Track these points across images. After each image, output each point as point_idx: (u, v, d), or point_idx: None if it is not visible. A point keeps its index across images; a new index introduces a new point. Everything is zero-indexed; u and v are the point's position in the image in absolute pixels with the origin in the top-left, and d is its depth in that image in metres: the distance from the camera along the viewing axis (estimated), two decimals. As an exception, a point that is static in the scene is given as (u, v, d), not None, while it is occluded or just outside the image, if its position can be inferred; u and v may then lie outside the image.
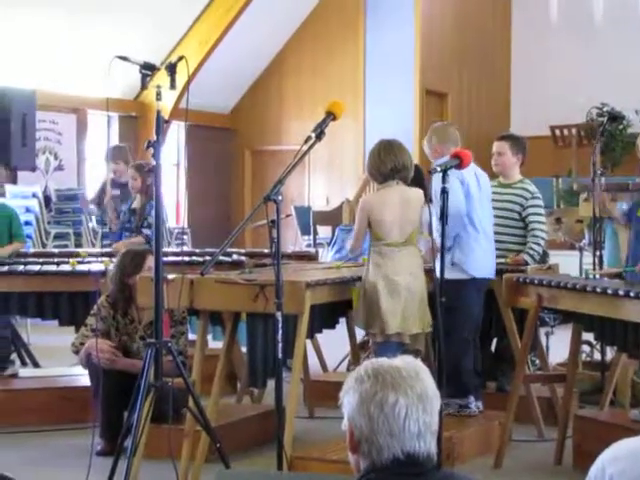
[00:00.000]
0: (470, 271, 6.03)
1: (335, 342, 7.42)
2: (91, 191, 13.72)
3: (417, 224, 5.89)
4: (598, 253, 7.21)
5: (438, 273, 5.55)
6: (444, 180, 4.78)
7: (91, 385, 6.23)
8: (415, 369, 2.31)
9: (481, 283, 6.14)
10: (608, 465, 2.01)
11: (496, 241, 6.68)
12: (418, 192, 5.96)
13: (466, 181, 5.98)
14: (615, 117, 16.30)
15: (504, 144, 6.98)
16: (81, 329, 6.33)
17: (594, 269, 7.07)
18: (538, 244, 6.80)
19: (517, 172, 7.02)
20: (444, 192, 4.78)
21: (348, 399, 2.31)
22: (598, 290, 5.40)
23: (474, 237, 6.04)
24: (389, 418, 2.25)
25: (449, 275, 5.89)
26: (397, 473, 2.26)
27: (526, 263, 6.63)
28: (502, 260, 6.64)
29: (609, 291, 5.31)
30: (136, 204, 8.06)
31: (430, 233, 5.70)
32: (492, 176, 7.10)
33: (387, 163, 5.82)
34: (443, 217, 4.78)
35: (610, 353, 6.70)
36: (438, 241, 5.11)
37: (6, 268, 7.10)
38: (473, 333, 6.18)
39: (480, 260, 6.07)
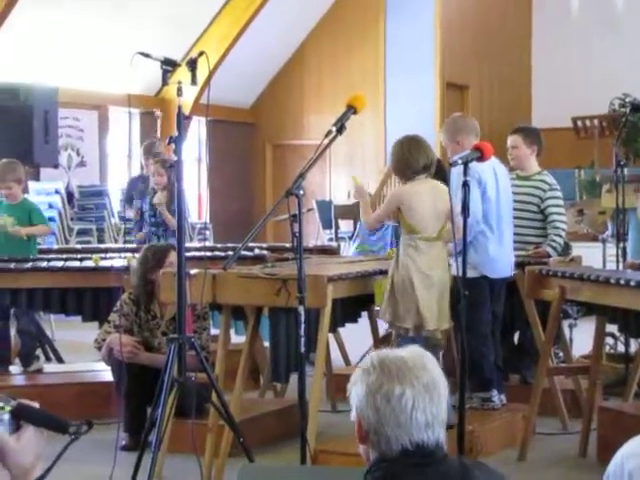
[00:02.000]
0: (485, 272, 6.01)
1: (358, 336, 7.42)
2: (113, 188, 13.83)
3: (447, 218, 5.83)
4: (621, 245, 7.17)
5: (456, 268, 5.56)
6: (465, 173, 4.76)
7: (113, 380, 6.26)
8: (421, 359, 2.30)
9: (496, 282, 6.10)
10: (627, 461, 2.00)
11: (515, 234, 6.66)
12: (445, 187, 5.93)
13: (483, 180, 5.92)
14: (638, 107, 16.21)
15: (517, 137, 6.95)
16: (104, 326, 6.35)
17: (617, 261, 7.04)
18: (559, 235, 6.78)
19: (535, 164, 6.99)
20: (465, 185, 4.75)
21: (356, 391, 2.31)
22: (622, 282, 5.37)
23: (489, 239, 5.99)
24: (396, 410, 2.25)
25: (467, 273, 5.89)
26: (407, 464, 2.26)
27: (549, 255, 6.61)
28: (523, 252, 6.63)
29: (632, 283, 5.28)
30: (157, 200, 8.06)
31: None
32: (510, 169, 7.08)
33: (419, 160, 5.77)
34: (465, 210, 4.75)
35: (634, 345, 6.67)
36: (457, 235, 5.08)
37: (30, 264, 7.14)
38: (492, 328, 6.14)
39: (495, 262, 6.01)
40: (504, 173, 6.26)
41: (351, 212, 14.29)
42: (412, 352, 2.33)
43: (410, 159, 5.78)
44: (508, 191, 6.27)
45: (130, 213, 8.70)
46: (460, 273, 5.07)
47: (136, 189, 8.70)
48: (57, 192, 12.27)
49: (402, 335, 5.77)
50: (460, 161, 4.83)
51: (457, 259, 5.86)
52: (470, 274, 5.63)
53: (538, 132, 7.12)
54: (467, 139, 6.05)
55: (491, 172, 5.96)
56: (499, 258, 6.01)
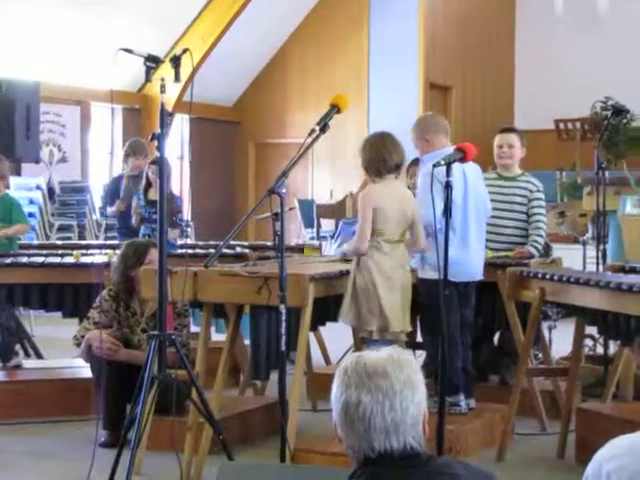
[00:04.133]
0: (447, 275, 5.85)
1: (338, 335, 7.42)
2: (94, 184, 13.79)
3: (409, 221, 5.81)
4: (602, 247, 7.20)
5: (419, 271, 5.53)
6: (448, 174, 4.75)
7: (93, 376, 6.24)
8: (384, 364, 2.29)
9: (459, 285, 5.89)
10: (605, 463, 2.01)
11: (500, 234, 6.66)
12: (408, 190, 5.91)
13: (451, 185, 5.82)
14: (619, 111, 16.28)
15: (514, 137, 6.87)
16: (83, 322, 6.34)
17: (597, 263, 7.07)
18: (541, 236, 6.79)
19: (517, 165, 6.98)
20: (448, 186, 4.74)
21: (332, 394, 2.33)
22: (601, 284, 5.39)
23: (451, 242, 5.53)
24: (354, 420, 2.25)
25: (423, 275, 5.86)
26: (391, 467, 2.26)
27: (532, 255, 6.62)
28: (508, 253, 6.64)
29: (612, 285, 5.30)
30: (152, 196, 8.01)
31: None
32: (493, 168, 7.08)
33: (394, 157, 5.67)
34: (447, 211, 4.74)
35: (613, 347, 6.71)
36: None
37: (10, 260, 7.12)
38: (462, 332, 6.02)
39: (456, 265, 5.52)
40: (476, 174, 6.11)
41: (333, 211, 14.32)
42: (382, 357, 2.32)
43: (386, 155, 5.65)
44: (480, 194, 6.12)
45: (111, 210, 8.67)
46: (433, 275, 5.08)
47: (123, 187, 8.65)
48: (38, 188, 12.24)
49: (366, 338, 5.74)
50: (443, 162, 4.82)
51: (422, 262, 5.85)
52: (431, 276, 5.58)
53: (523, 134, 7.12)
54: (436, 137, 5.98)
55: (459, 174, 5.71)
56: (461, 262, 5.79)
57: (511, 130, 7.04)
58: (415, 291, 5.87)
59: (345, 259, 6.27)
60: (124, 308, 6.27)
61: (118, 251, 6.58)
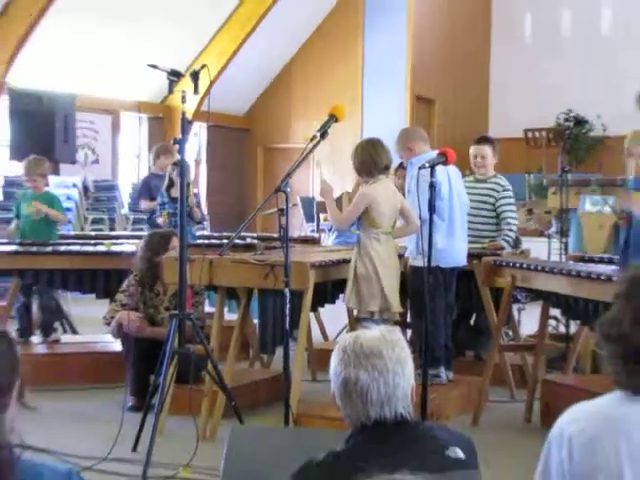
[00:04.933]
0: (435, 262, 5.83)
1: (335, 315, 7.43)
2: (123, 182, 13.78)
3: (398, 211, 5.78)
4: (564, 240, 7.20)
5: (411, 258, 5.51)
6: (432, 175, 4.75)
7: (123, 351, 6.25)
8: (378, 344, 2.28)
9: (445, 271, 5.91)
10: (567, 426, 2.01)
11: (473, 229, 6.64)
12: (394, 187, 5.90)
13: (438, 182, 5.78)
14: (580, 122, 16.35)
15: (486, 148, 6.85)
16: (111, 304, 6.34)
17: (560, 254, 7.07)
18: (512, 230, 6.78)
19: (492, 169, 6.96)
20: (432, 186, 4.73)
21: (331, 369, 2.33)
22: (564, 272, 5.40)
23: (440, 232, 5.70)
24: (352, 395, 2.25)
25: (415, 263, 5.85)
26: (383, 431, 2.26)
27: (502, 248, 6.62)
28: (480, 245, 6.63)
29: (573, 272, 5.32)
30: (175, 194, 7.94)
31: None
32: (470, 173, 7.05)
33: (384, 159, 5.67)
34: (431, 208, 4.74)
35: (574, 326, 6.71)
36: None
37: (50, 248, 7.11)
38: (443, 312, 6.02)
39: (443, 252, 5.72)
40: (457, 176, 6.12)
41: (331, 207, 14.30)
42: (375, 336, 2.31)
43: (377, 158, 5.65)
44: (461, 192, 6.13)
45: (145, 204, 8.58)
46: (423, 264, 5.07)
47: (152, 185, 8.58)
48: (74, 186, 12.21)
49: (369, 319, 5.72)
50: (427, 165, 4.82)
51: (415, 251, 5.83)
52: (420, 263, 5.51)
53: (497, 143, 7.10)
54: (417, 145, 5.97)
55: (444, 175, 5.76)
56: (448, 249, 5.85)
57: (484, 141, 6.98)
58: (404, 276, 5.87)
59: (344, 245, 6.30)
60: (148, 290, 6.27)
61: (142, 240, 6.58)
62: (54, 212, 7.64)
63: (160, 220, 7.97)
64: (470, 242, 6.46)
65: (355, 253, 5.68)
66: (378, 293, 5.60)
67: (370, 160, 5.68)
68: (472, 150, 6.90)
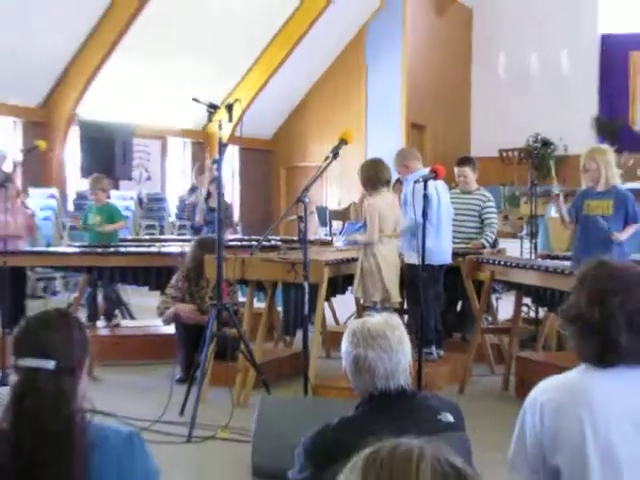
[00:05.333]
0: (426, 259, 5.73)
1: (345, 303, 7.41)
2: (170, 195, 13.81)
3: (397, 219, 5.74)
4: (534, 241, 7.17)
5: (407, 257, 5.48)
6: (425, 188, 4.72)
7: (175, 334, 6.24)
8: (383, 328, 2.27)
9: (434, 267, 5.77)
10: (539, 396, 1.99)
11: (461, 232, 6.61)
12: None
13: (429, 194, 5.70)
14: (545, 143, 16.30)
15: (467, 169, 6.77)
16: (162, 297, 6.34)
17: (530, 252, 7.03)
18: (492, 232, 6.75)
19: (474, 182, 6.91)
20: (426, 197, 4.71)
21: (343, 349, 2.31)
22: (534, 267, 5.37)
23: (429, 235, 5.54)
24: (362, 370, 2.25)
25: (410, 261, 5.81)
26: (387, 400, 2.25)
27: (484, 246, 6.59)
28: (464, 245, 6.60)
29: (541, 268, 5.29)
30: (212, 204, 7.94)
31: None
32: (456, 187, 7.02)
33: (385, 175, 5.67)
34: (424, 215, 4.72)
35: (542, 312, 6.68)
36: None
37: (112, 249, 7.13)
38: (434, 301, 5.96)
39: (432, 251, 5.42)
40: (445, 189, 6.07)
41: (341, 215, 14.28)
42: (380, 321, 2.30)
43: (380, 175, 5.64)
44: (447, 202, 6.07)
45: (198, 219, 8.48)
46: (416, 261, 5.04)
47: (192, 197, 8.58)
48: (131, 198, 12.24)
49: (372, 307, 5.72)
50: (421, 180, 4.79)
51: (413, 248, 5.80)
52: (414, 261, 5.51)
53: (476, 161, 7.06)
54: (412, 162, 5.91)
55: (434, 189, 5.67)
56: (436, 249, 5.70)
57: (464, 162, 6.88)
58: (402, 272, 5.85)
59: (352, 246, 6.27)
60: (194, 284, 6.27)
61: (189, 244, 6.60)
62: (115, 226, 7.76)
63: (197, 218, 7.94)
64: (457, 243, 6.43)
65: (362, 252, 5.67)
66: (380, 286, 5.59)
67: (374, 176, 5.68)
68: (456, 170, 6.87)
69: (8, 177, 6.57)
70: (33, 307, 7.21)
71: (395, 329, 2.29)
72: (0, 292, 7.21)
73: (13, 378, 1.82)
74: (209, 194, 7.98)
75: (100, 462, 1.77)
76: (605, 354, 1.93)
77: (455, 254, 6.16)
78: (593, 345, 1.94)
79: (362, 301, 5.94)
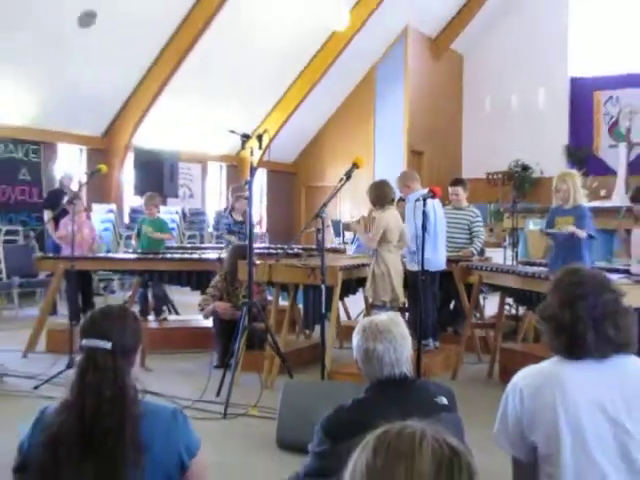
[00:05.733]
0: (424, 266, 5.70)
1: (356, 303, 7.40)
2: (209, 210, 13.87)
3: (402, 232, 5.72)
4: (515, 250, 7.13)
5: (410, 263, 5.46)
6: (424, 206, 4.72)
7: (213, 327, 6.25)
8: (388, 324, 2.28)
9: (430, 272, 5.73)
10: (519, 381, 1.99)
11: (452, 242, 6.59)
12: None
13: (427, 211, 5.69)
14: (525, 167, 16.20)
15: (459, 188, 6.77)
16: (204, 296, 6.35)
17: (512, 260, 6.99)
18: (480, 242, 6.73)
19: (465, 200, 6.90)
20: (424, 214, 4.71)
21: (354, 342, 2.32)
22: (515, 272, 5.35)
23: (427, 246, 5.47)
24: (372, 360, 2.25)
25: (411, 268, 5.80)
26: (391, 385, 2.25)
27: (473, 254, 6.57)
28: (456, 253, 6.58)
29: (522, 273, 5.26)
30: (240, 218, 7.93)
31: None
32: (449, 203, 7.00)
33: (391, 194, 5.67)
34: (423, 229, 4.72)
35: (522, 310, 6.64)
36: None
37: (160, 256, 7.17)
38: (431, 301, 5.96)
39: (429, 260, 5.48)
40: (439, 206, 6.05)
41: (352, 227, 14.27)
42: (384, 319, 2.30)
43: (386, 194, 5.63)
44: (442, 219, 6.06)
45: (231, 237, 8.42)
46: (416, 268, 5.02)
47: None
48: (177, 212, 12.31)
49: (379, 305, 5.71)
50: (421, 198, 4.79)
51: (414, 258, 5.79)
52: (415, 268, 5.51)
53: (467, 182, 7.04)
54: (413, 183, 5.90)
55: (431, 206, 5.64)
56: (432, 258, 5.71)
57: (456, 183, 6.88)
58: (405, 276, 5.84)
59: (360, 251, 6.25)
60: (230, 284, 6.28)
61: (225, 250, 6.61)
62: (163, 235, 7.80)
63: (226, 236, 7.93)
64: (450, 251, 6.42)
65: (373, 259, 5.68)
66: (389, 289, 5.58)
67: (382, 194, 5.69)
68: (449, 189, 6.88)
69: (76, 195, 6.62)
70: (95, 303, 7.27)
71: (398, 325, 2.30)
72: (68, 290, 7.27)
73: (78, 358, 1.85)
74: (233, 208, 7.98)
75: (149, 431, 1.79)
76: (573, 349, 1.93)
77: (449, 261, 6.15)
78: (563, 341, 1.94)
79: (371, 300, 5.94)
